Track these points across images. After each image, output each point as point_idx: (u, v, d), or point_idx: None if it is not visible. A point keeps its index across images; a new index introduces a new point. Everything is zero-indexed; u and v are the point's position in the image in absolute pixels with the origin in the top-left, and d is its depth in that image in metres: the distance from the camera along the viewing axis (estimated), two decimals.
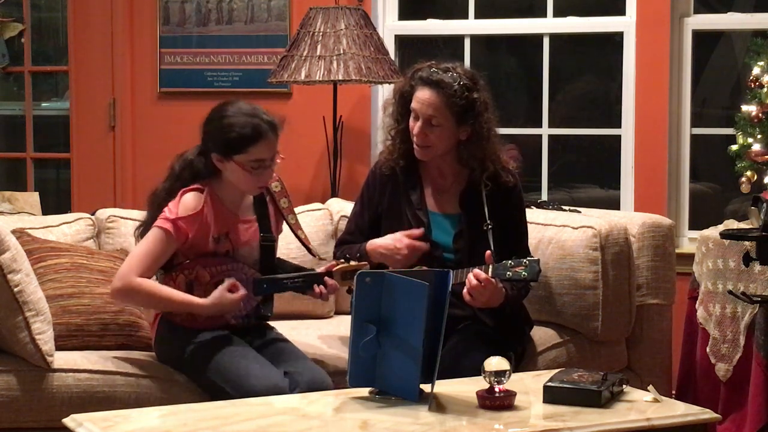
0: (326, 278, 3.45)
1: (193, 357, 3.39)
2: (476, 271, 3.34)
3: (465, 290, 3.35)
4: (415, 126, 3.52)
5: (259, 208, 3.54)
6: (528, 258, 3.37)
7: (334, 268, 3.48)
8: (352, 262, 3.50)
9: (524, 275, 3.33)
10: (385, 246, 3.54)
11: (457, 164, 3.64)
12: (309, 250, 3.66)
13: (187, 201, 3.39)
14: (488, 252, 3.39)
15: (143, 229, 3.48)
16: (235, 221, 3.48)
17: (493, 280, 3.33)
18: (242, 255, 3.47)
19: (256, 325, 3.54)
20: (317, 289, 3.45)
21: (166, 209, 3.38)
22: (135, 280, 3.32)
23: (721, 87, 5.35)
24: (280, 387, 3.26)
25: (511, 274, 3.33)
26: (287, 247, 3.83)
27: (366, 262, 3.53)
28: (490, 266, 3.35)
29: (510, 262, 3.35)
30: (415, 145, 3.56)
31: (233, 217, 3.48)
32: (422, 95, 3.52)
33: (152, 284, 3.36)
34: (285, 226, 3.66)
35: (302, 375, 3.33)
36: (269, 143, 3.42)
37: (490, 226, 3.51)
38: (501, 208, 3.58)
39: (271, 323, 3.71)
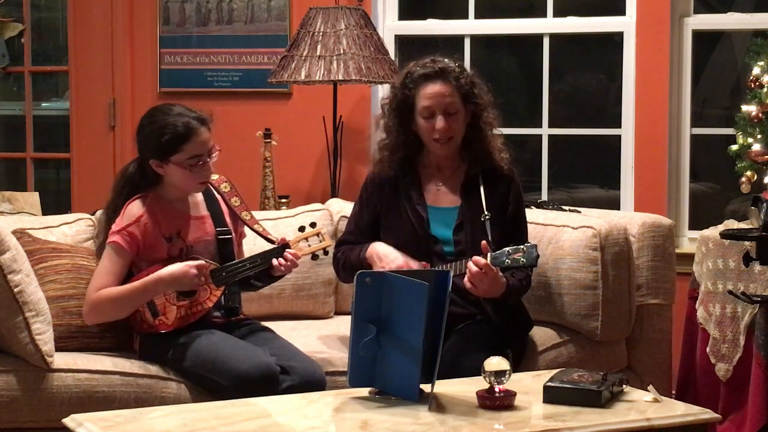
0: (286, 251, 3.50)
1: (176, 359, 3.41)
2: (476, 258, 3.35)
3: (466, 278, 3.36)
4: (436, 123, 3.54)
5: (210, 204, 3.61)
6: (525, 244, 3.38)
7: (291, 239, 3.55)
8: (308, 230, 3.58)
9: (523, 261, 3.34)
10: (383, 254, 3.54)
11: (456, 157, 3.65)
12: (269, 240, 3.65)
13: (130, 209, 3.49)
14: (484, 242, 3.40)
15: (98, 248, 3.63)
16: (186, 219, 3.54)
17: (489, 263, 3.34)
18: (198, 251, 3.52)
19: (229, 321, 3.55)
20: (276, 261, 3.48)
21: (113, 225, 3.48)
22: (94, 294, 3.42)
23: (721, 87, 5.35)
24: (266, 363, 3.30)
25: (509, 261, 3.34)
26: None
27: (319, 229, 3.60)
28: (488, 255, 3.36)
29: (508, 249, 3.36)
30: (436, 143, 3.58)
31: (183, 215, 3.54)
32: (432, 90, 3.55)
33: (110, 289, 3.42)
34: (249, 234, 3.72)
35: (295, 369, 3.36)
36: (202, 138, 3.48)
37: (487, 217, 3.53)
38: (499, 199, 3.61)
39: (272, 323, 3.72)
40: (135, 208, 3.49)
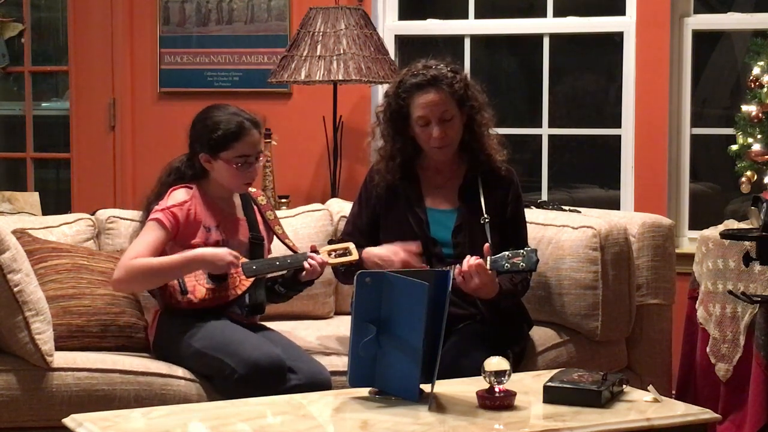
0: (313, 255, 3.56)
1: (191, 340, 3.45)
2: (473, 258, 3.36)
3: (456, 271, 3.36)
4: (432, 132, 3.54)
5: (246, 210, 3.67)
6: (525, 248, 3.37)
7: (321, 248, 3.60)
8: (337, 244, 3.62)
9: (522, 266, 3.34)
10: (380, 256, 3.55)
11: (456, 159, 3.66)
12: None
13: (176, 194, 3.55)
14: (486, 245, 3.40)
15: (132, 234, 3.70)
16: (226, 216, 3.61)
17: (485, 266, 3.35)
18: (232, 248, 3.55)
19: (251, 322, 3.60)
20: (306, 263, 3.54)
21: (156, 206, 3.53)
22: (130, 261, 3.44)
23: (721, 87, 5.35)
24: (277, 355, 3.35)
25: (509, 265, 3.34)
26: None
27: (348, 245, 3.61)
28: (488, 258, 3.36)
29: (507, 253, 3.36)
30: (434, 150, 3.58)
31: (223, 212, 3.61)
32: (426, 99, 3.54)
33: (146, 258, 3.45)
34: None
35: (301, 369, 3.40)
36: (253, 139, 3.56)
37: (486, 220, 3.54)
38: (498, 201, 3.61)
39: (272, 323, 3.74)
40: (180, 194, 3.55)
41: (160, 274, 3.48)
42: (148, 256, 3.45)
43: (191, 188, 3.57)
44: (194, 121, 3.62)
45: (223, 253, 3.44)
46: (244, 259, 3.54)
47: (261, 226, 3.68)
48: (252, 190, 3.70)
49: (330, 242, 3.68)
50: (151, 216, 3.51)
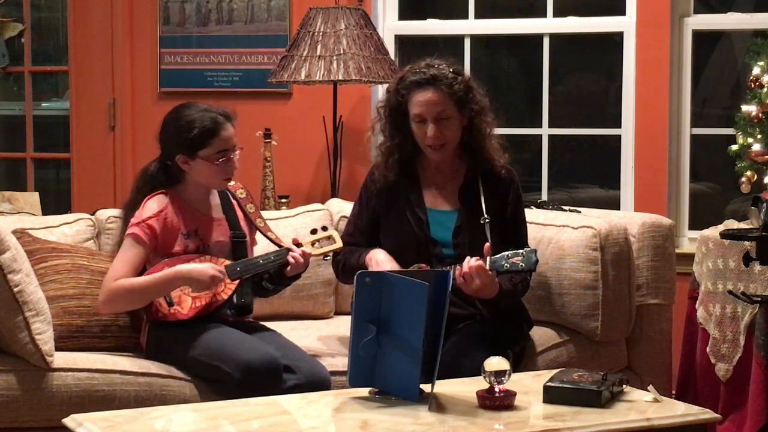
0: (296, 248, 3.53)
1: (184, 348, 3.43)
2: (473, 259, 3.35)
3: (457, 273, 3.36)
4: (427, 130, 3.53)
5: (226, 208, 3.64)
6: (525, 249, 3.38)
7: (304, 240, 3.57)
8: (320, 233, 3.60)
9: (522, 266, 3.34)
10: (380, 261, 3.54)
11: (456, 160, 3.66)
12: (281, 247, 3.66)
13: (150, 204, 3.52)
14: (486, 245, 3.40)
15: (116, 245, 3.70)
16: (204, 219, 3.57)
17: (485, 266, 3.35)
18: (214, 252, 3.54)
19: (240, 320, 3.57)
20: (290, 257, 3.51)
21: (132, 219, 3.50)
22: (112, 284, 3.43)
23: (721, 87, 5.35)
24: (272, 355, 3.34)
25: (508, 265, 3.34)
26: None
27: (331, 233, 3.60)
28: (488, 258, 3.36)
29: (507, 253, 3.36)
30: (429, 149, 3.58)
31: (201, 215, 3.58)
32: (423, 97, 3.54)
33: (128, 279, 3.44)
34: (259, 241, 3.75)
35: (301, 369, 3.39)
36: (228, 133, 3.53)
37: (486, 220, 3.54)
38: (499, 201, 3.61)
39: (272, 323, 3.73)
40: (155, 203, 3.52)
41: (145, 294, 3.46)
42: (130, 275, 3.44)
43: (166, 194, 3.54)
44: (165, 123, 3.57)
45: (206, 268, 3.41)
46: (228, 262, 3.51)
47: (242, 222, 3.65)
48: (231, 183, 3.66)
49: (313, 232, 3.62)
50: (128, 230, 3.49)
